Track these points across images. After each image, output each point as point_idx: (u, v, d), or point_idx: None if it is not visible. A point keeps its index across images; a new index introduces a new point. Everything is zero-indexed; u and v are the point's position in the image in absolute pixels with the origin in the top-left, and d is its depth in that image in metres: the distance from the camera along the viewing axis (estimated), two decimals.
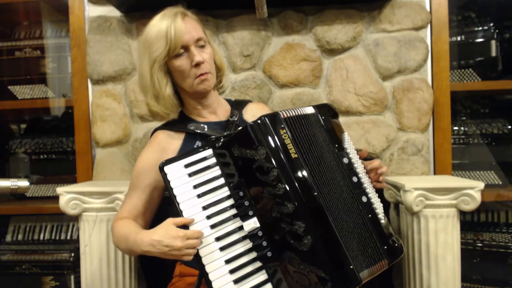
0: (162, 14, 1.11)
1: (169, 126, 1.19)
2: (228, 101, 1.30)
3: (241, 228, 0.96)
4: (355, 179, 0.99)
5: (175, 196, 0.97)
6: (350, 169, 1.00)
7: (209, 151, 1.01)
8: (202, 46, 1.12)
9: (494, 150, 1.83)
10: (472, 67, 1.82)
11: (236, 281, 0.94)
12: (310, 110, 1.02)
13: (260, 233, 0.94)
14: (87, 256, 1.45)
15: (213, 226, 0.96)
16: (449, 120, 1.69)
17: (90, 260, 1.44)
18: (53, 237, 1.91)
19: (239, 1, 1.62)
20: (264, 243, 0.94)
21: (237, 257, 0.95)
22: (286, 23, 1.69)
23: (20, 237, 1.94)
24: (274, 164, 0.92)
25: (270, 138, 0.93)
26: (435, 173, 1.71)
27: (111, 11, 1.73)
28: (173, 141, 1.16)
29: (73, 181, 1.84)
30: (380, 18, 1.69)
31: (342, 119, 1.52)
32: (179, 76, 1.13)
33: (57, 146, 1.98)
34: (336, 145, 1.02)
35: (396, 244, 0.98)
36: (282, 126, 0.95)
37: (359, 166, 1.02)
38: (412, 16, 1.67)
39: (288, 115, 0.97)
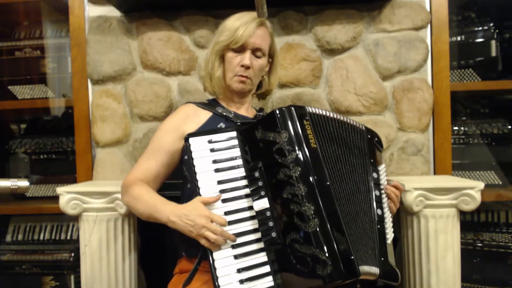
0: (244, 13, 1.23)
1: (200, 103, 1.28)
2: (254, 108, 1.39)
3: (251, 207, 1.01)
4: (377, 192, 1.08)
5: (194, 166, 1.03)
6: (376, 184, 1.09)
7: (233, 133, 1.08)
8: (258, 57, 1.23)
9: (494, 150, 1.83)
10: (472, 67, 1.82)
11: (236, 257, 0.97)
12: (357, 124, 1.14)
13: (268, 213, 0.98)
14: (87, 256, 1.45)
15: (224, 201, 1.02)
16: (449, 120, 1.69)
17: (90, 260, 1.44)
18: (53, 237, 1.91)
19: (239, 1, 1.62)
20: (271, 224, 0.97)
21: (242, 234, 0.99)
22: (286, 23, 1.69)
23: (20, 237, 1.94)
24: (294, 147, 0.98)
25: (293, 124, 1.01)
26: (435, 173, 1.71)
27: (111, 11, 1.73)
28: (199, 115, 1.24)
29: (73, 181, 1.84)
30: (380, 18, 1.69)
31: None
32: (226, 65, 1.25)
33: (57, 146, 1.98)
34: (372, 160, 1.11)
35: (392, 266, 1.03)
36: (307, 118, 1.03)
37: (384, 193, 1.12)
38: (412, 16, 1.67)
39: (314, 111, 1.06)
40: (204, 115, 1.23)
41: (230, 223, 1.00)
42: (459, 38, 1.85)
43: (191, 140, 1.05)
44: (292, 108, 1.02)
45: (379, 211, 1.06)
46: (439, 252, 1.37)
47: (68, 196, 1.43)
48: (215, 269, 0.95)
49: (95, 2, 1.75)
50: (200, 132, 1.09)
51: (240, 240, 0.99)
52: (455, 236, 1.39)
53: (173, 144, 1.20)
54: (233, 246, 0.97)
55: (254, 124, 1.06)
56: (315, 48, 1.71)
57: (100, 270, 1.43)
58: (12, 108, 1.95)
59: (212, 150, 1.05)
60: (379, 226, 1.04)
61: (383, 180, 1.13)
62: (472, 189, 1.36)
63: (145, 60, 1.71)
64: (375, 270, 0.96)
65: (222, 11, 1.70)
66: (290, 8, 1.69)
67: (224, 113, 1.23)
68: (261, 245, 0.99)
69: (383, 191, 1.11)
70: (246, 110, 1.32)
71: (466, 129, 1.85)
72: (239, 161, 1.05)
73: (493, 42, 1.82)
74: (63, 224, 1.93)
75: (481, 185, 1.36)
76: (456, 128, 1.85)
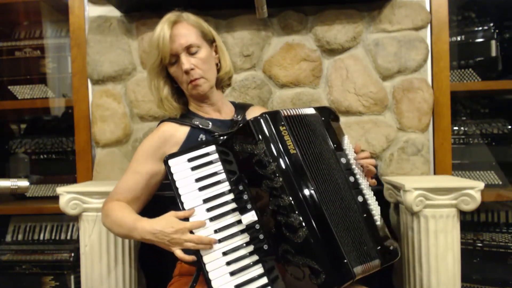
0: (161, 21, 1.17)
1: (176, 119, 1.23)
2: (232, 103, 1.34)
3: (239, 222, 0.99)
4: (352, 178, 1.03)
5: (177, 188, 1.01)
6: (348, 169, 1.04)
7: (212, 147, 1.05)
8: (194, 53, 1.16)
9: (494, 150, 1.83)
10: (472, 67, 1.82)
11: (233, 273, 0.96)
12: (310, 110, 1.06)
13: (257, 226, 0.96)
14: (87, 256, 1.45)
15: (212, 219, 1.00)
16: (449, 120, 1.69)
17: (90, 260, 1.44)
18: (53, 237, 1.91)
19: (239, 1, 1.62)
20: (261, 236, 0.96)
21: (234, 250, 0.98)
22: (286, 23, 1.69)
23: (20, 237, 1.94)
24: (273, 158, 0.95)
25: (270, 134, 0.97)
26: (435, 173, 1.71)
27: (111, 11, 1.73)
28: (178, 133, 1.19)
29: (73, 181, 1.84)
30: (380, 18, 1.69)
31: (342, 119, 1.53)
32: (177, 80, 1.20)
33: (57, 146, 1.98)
34: (335, 145, 1.05)
35: (390, 247, 1.00)
36: (282, 123, 0.99)
37: (357, 167, 1.06)
38: (412, 16, 1.67)
39: (289, 113, 1.01)
40: (183, 132, 1.19)
41: (222, 240, 0.98)
42: (459, 38, 1.85)
43: (170, 162, 1.02)
44: (266, 116, 0.98)
45: (360, 198, 1.01)
46: (439, 252, 1.37)
47: (68, 196, 1.43)
48: None
49: (95, 2, 1.75)
50: (179, 152, 1.06)
51: (234, 255, 0.97)
52: (455, 236, 1.39)
53: (152, 168, 1.16)
54: (228, 263, 0.96)
55: (231, 136, 1.03)
56: (315, 48, 1.71)
57: (100, 270, 1.43)
58: (12, 108, 1.95)
59: (193, 169, 1.02)
60: (365, 215, 0.99)
61: (351, 157, 1.06)
62: (472, 189, 1.35)
63: (145, 60, 1.71)
64: (376, 262, 0.95)
65: (222, 11, 1.71)
66: (290, 8, 1.69)
67: (201, 125, 1.18)
68: (255, 257, 0.98)
69: (355, 171, 1.04)
70: (222, 109, 1.26)
71: (466, 129, 1.85)
72: (223, 175, 1.02)
73: (493, 42, 1.82)
74: (63, 224, 1.93)
75: (481, 185, 1.36)
76: (456, 128, 1.85)
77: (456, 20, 1.88)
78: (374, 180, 1.10)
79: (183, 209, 0.99)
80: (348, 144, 1.08)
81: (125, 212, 1.10)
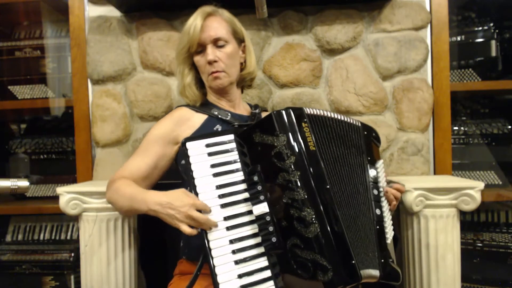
0: (196, 11, 1.22)
1: (193, 106, 1.26)
2: (248, 104, 1.38)
3: (250, 212, 0.99)
4: (375, 191, 1.06)
5: (192, 171, 1.01)
6: (374, 182, 1.07)
7: (231, 136, 1.06)
8: (221, 46, 1.20)
9: (494, 150, 1.83)
10: (472, 67, 1.82)
11: (237, 262, 0.96)
12: (352, 121, 1.11)
13: (268, 218, 0.96)
14: (87, 256, 1.45)
15: (223, 206, 1.00)
16: (449, 120, 1.69)
17: (90, 260, 1.44)
18: (53, 237, 1.91)
19: (239, 1, 1.62)
20: (271, 228, 0.96)
21: (242, 239, 0.98)
22: (286, 23, 1.69)
23: (20, 237, 1.94)
24: (293, 151, 0.97)
25: (292, 128, 0.99)
26: (435, 173, 1.71)
27: (111, 11, 1.73)
28: (194, 119, 1.22)
29: (73, 181, 1.84)
30: (380, 18, 1.69)
31: None
32: (200, 70, 1.24)
33: (57, 146, 1.98)
34: (369, 158, 1.09)
35: (393, 267, 1.01)
36: (305, 120, 1.01)
37: (383, 188, 1.09)
38: (412, 16, 1.67)
39: (312, 112, 1.03)
40: (199, 119, 1.21)
41: (230, 228, 0.98)
42: (459, 38, 1.85)
43: (188, 144, 1.02)
44: (290, 111, 1.00)
45: (377, 211, 1.04)
46: (439, 252, 1.37)
47: (68, 196, 1.43)
48: (216, 275, 0.94)
49: (95, 2, 1.75)
50: (197, 136, 1.06)
51: (240, 245, 0.97)
52: (455, 236, 1.39)
53: (164, 148, 1.18)
54: (234, 252, 0.96)
55: (252, 127, 1.04)
56: (315, 48, 1.71)
57: (100, 270, 1.43)
58: (12, 108, 1.95)
59: (209, 154, 1.03)
60: (378, 227, 1.02)
61: (382, 177, 1.11)
62: (472, 189, 1.36)
63: (145, 60, 1.71)
64: (375, 273, 0.95)
65: None
66: (290, 8, 1.69)
67: (220, 116, 1.21)
68: (261, 249, 0.98)
69: (381, 189, 1.08)
70: (238, 106, 1.30)
71: (466, 129, 1.85)
72: (238, 165, 1.03)
73: (493, 42, 1.82)
74: (63, 224, 1.93)
75: (481, 185, 1.36)
76: (456, 128, 1.85)
77: (456, 20, 1.88)
78: (394, 203, 1.13)
79: (195, 192, 0.99)
80: (381, 167, 1.12)
81: (133, 186, 1.11)
